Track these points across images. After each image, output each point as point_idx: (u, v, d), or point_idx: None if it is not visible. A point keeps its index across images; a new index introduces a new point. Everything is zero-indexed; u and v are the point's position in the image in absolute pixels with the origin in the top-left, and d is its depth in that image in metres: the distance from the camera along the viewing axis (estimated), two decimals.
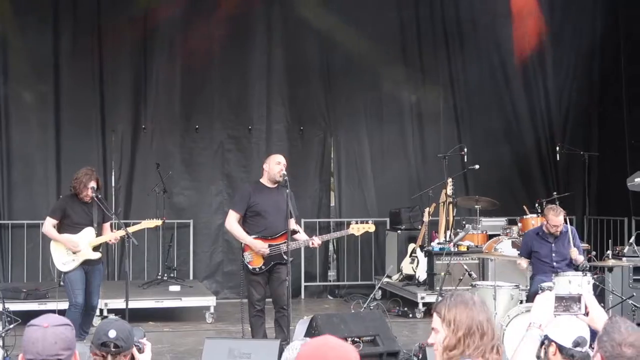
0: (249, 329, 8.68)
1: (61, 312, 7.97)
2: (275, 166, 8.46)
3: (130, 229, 9.05)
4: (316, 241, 8.53)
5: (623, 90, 13.45)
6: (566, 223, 9.46)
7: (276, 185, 8.44)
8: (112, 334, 4.01)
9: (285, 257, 8.23)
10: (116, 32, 13.21)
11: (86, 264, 8.65)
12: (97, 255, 8.74)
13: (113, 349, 3.92)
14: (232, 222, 8.56)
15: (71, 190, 8.77)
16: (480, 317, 3.53)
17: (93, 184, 8.58)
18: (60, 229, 8.69)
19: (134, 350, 4.13)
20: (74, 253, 8.61)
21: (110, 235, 8.77)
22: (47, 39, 12.94)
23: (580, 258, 9.23)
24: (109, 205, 10.02)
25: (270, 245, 8.38)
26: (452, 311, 3.57)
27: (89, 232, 8.67)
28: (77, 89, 13.08)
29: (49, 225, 8.75)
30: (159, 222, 9.40)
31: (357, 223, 8.83)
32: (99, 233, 8.75)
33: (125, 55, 13.28)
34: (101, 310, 10.33)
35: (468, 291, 8.88)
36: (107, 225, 8.87)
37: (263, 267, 8.40)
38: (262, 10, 13.66)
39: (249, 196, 8.50)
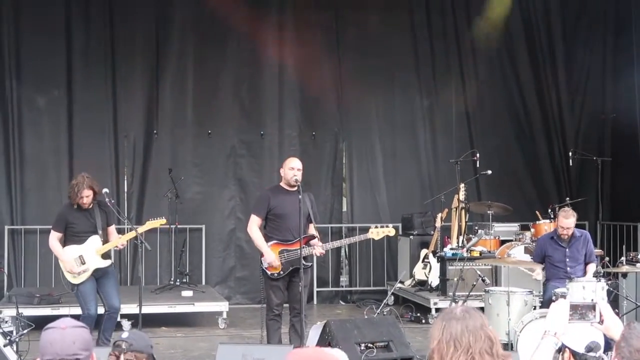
0: (264, 334, 8.68)
1: (74, 318, 7.99)
2: (289, 171, 8.47)
3: (133, 233, 9.07)
4: (317, 250, 8.45)
5: (636, 95, 13.39)
6: (580, 229, 9.47)
7: (294, 188, 8.43)
8: (124, 335, 4.48)
9: (303, 262, 8.21)
10: (128, 37, 13.26)
11: (96, 271, 8.61)
12: (107, 263, 8.65)
13: (124, 347, 4.30)
14: (253, 226, 8.55)
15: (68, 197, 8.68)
16: (453, 330, 3.50)
17: (87, 192, 8.42)
18: (65, 240, 8.59)
19: None
20: (82, 264, 8.53)
21: (117, 241, 8.69)
22: (59, 43, 12.97)
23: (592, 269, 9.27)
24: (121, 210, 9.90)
25: (287, 251, 8.37)
26: (433, 326, 3.61)
27: (94, 241, 8.55)
28: (89, 94, 13.11)
29: (54, 240, 8.63)
30: (162, 221, 9.11)
31: (376, 227, 8.74)
32: (105, 238, 8.63)
33: (137, 60, 13.31)
34: None
35: (481, 297, 8.89)
36: (111, 228, 8.75)
37: (281, 272, 8.39)
38: (274, 14, 13.68)
39: (268, 200, 8.50)
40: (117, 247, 8.83)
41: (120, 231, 9.18)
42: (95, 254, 8.54)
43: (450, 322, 3.49)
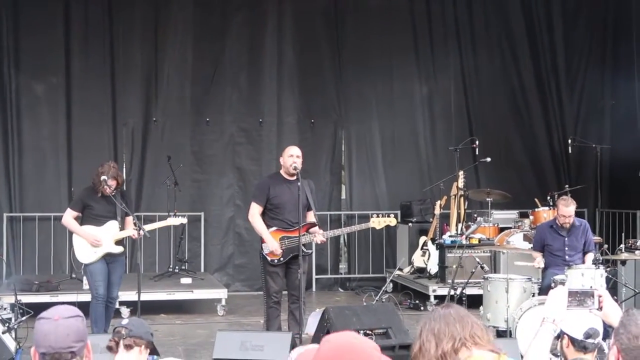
0: (261, 321, 8.70)
1: (81, 305, 7.99)
2: (288, 159, 8.46)
3: (155, 225, 9.14)
4: (318, 238, 8.48)
5: (635, 82, 13.38)
6: (579, 216, 9.46)
7: (294, 177, 8.42)
8: (124, 321, 4.57)
9: (303, 249, 8.22)
10: (127, 24, 13.23)
11: (108, 256, 8.64)
12: (119, 249, 8.69)
13: (124, 332, 4.39)
14: (254, 214, 8.56)
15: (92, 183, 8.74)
16: (434, 325, 3.46)
17: (111, 181, 8.48)
18: (84, 220, 8.66)
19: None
20: (94, 247, 8.58)
21: (134, 230, 8.73)
22: (58, 30, 12.95)
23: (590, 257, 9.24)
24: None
25: (288, 238, 8.37)
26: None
27: (112, 226, 8.62)
28: (88, 81, 13.09)
29: (68, 217, 8.70)
30: (184, 220, 9.36)
31: (377, 216, 8.74)
32: (122, 226, 8.71)
33: (136, 48, 13.28)
34: None
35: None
36: (129, 218, 8.80)
37: (282, 259, 8.40)
38: (274, 1, 13.64)
39: (268, 188, 8.50)
40: (133, 236, 8.85)
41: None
42: (110, 238, 8.60)
43: (430, 321, 3.48)
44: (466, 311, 3.53)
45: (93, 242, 8.54)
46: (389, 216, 8.73)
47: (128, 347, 4.42)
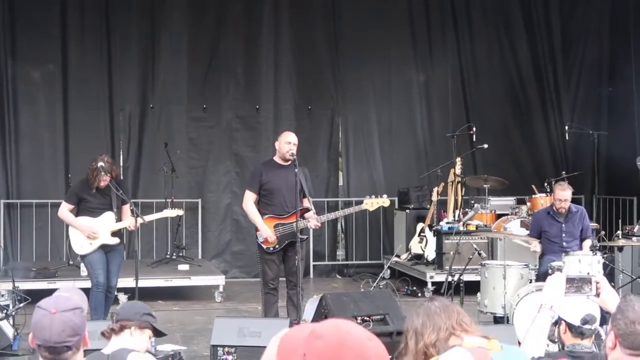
0: (259, 307, 8.71)
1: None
2: (284, 145, 8.42)
3: (151, 217, 9.18)
4: (312, 223, 8.46)
5: (632, 68, 13.37)
6: (576, 203, 9.47)
7: (288, 162, 8.40)
8: (117, 308, 4.65)
9: (299, 235, 8.21)
10: (124, 11, 13.19)
11: (105, 246, 8.61)
12: (115, 240, 8.64)
13: (114, 318, 4.47)
14: (248, 202, 8.54)
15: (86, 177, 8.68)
16: (415, 320, 3.43)
17: (106, 176, 8.40)
18: (79, 212, 8.61)
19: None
20: (91, 239, 8.55)
21: (130, 221, 8.68)
22: (54, 17, 12.92)
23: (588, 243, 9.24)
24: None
25: (282, 225, 8.37)
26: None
27: (108, 217, 8.57)
28: (85, 68, 13.07)
29: (64, 210, 8.64)
30: (180, 212, 9.39)
31: (370, 198, 8.72)
32: (118, 217, 8.65)
33: (133, 34, 13.26)
34: None
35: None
36: (126, 207, 8.74)
37: (277, 246, 8.40)
38: None
39: (261, 174, 8.48)
40: (129, 227, 8.82)
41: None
42: (107, 230, 8.56)
43: (413, 317, 3.47)
44: (450, 301, 3.53)
45: (89, 234, 8.51)
46: (382, 197, 8.73)
47: (114, 330, 4.42)
